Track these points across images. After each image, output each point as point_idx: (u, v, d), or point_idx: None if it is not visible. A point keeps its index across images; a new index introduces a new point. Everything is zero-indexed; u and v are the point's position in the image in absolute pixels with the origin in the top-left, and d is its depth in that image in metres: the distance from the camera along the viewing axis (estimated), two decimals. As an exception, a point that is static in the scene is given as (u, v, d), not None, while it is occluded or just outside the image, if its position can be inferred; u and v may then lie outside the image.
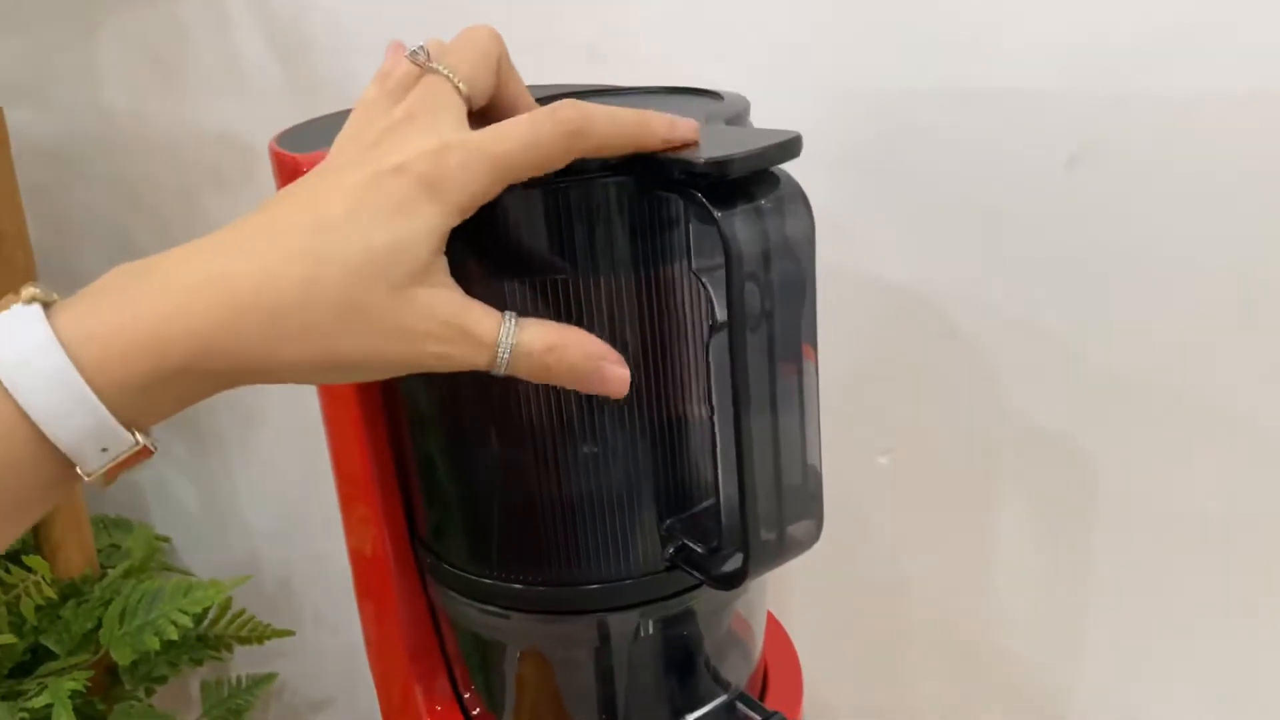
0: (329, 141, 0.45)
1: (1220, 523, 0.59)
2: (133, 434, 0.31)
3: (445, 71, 0.36)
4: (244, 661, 0.95)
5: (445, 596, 0.47)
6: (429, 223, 0.33)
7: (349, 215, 0.32)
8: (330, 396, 0.48)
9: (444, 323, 0.34)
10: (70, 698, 0.68)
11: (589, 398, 0.40)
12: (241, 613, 0.85)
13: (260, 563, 0.93)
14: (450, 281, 0.34)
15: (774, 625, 0.57)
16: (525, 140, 0.34)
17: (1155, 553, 0.61)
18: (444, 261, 0.34)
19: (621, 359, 0.36)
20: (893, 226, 0.61)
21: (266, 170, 0.46)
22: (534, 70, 0.58)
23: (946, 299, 0.61)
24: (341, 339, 0.32)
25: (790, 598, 0.69)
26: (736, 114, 0.42)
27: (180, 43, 0.77)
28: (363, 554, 0.51)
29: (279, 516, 0.93)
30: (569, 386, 0.36)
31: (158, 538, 0.91)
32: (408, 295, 0.33)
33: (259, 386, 0.94)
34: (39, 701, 0.68)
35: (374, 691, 1.01)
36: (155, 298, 0.31)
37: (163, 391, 0.31)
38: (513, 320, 0.35)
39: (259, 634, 0.85)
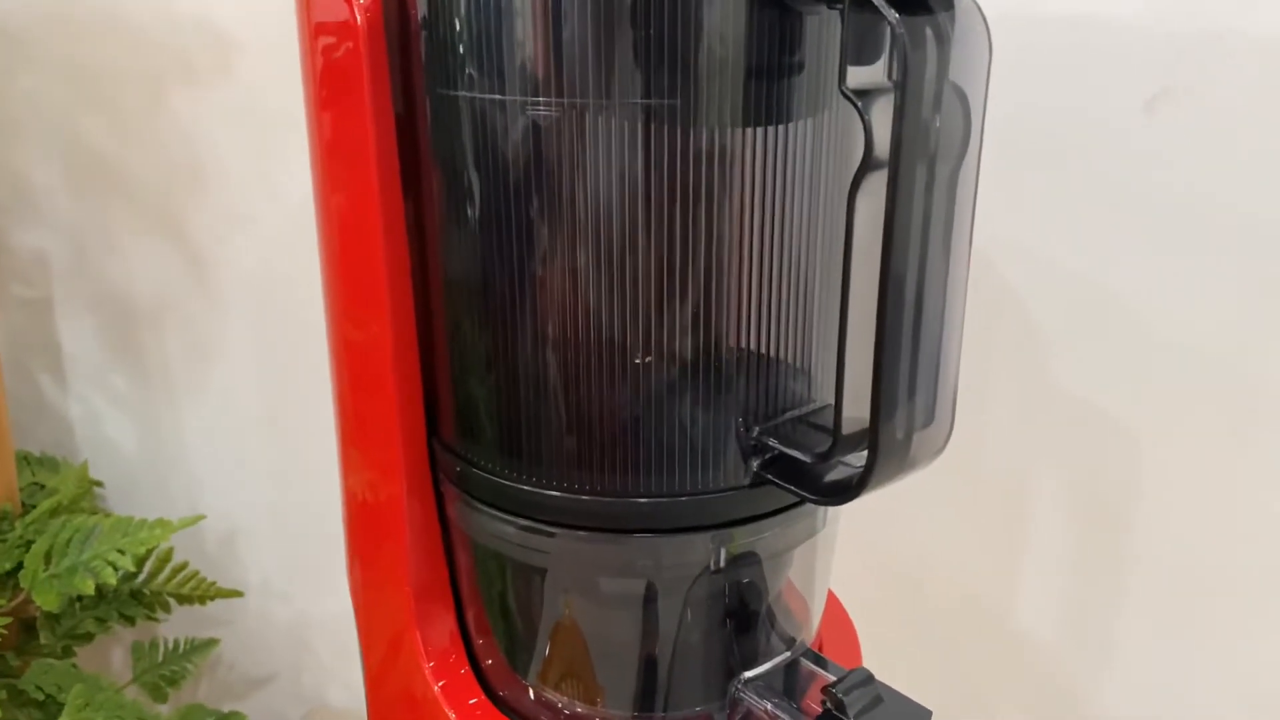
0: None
1: (1275, 517, 0.54)
2: None
3: None
4: (177, 628, 0.86)
5: (471, 513, 0.39)
6: None
7: None
8: (351, 257, 0.40)
9: None
10: (-20, 646, 0.58)
11: (671, 261, 0.33)
12: (184, 566, 0.75)
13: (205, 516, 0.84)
14: None
15: (832, 600, 0.51)
16: None
17: (1201, 545, 0.57)
18: None
19: None
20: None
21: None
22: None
23: (996, 251, 0.56)
24: None
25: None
26: None
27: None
28: (368, 469, 0.43)
29: (230, 464, 0.84)
30: None
31: (89, 480, 0.81)
32: None
33: (217, 314, 0.85)
34: (-59, 649, 0.58)
35: (319, 670, 0.92)
36: None
37: None
38: None
39: (203, 592, 0.75)
